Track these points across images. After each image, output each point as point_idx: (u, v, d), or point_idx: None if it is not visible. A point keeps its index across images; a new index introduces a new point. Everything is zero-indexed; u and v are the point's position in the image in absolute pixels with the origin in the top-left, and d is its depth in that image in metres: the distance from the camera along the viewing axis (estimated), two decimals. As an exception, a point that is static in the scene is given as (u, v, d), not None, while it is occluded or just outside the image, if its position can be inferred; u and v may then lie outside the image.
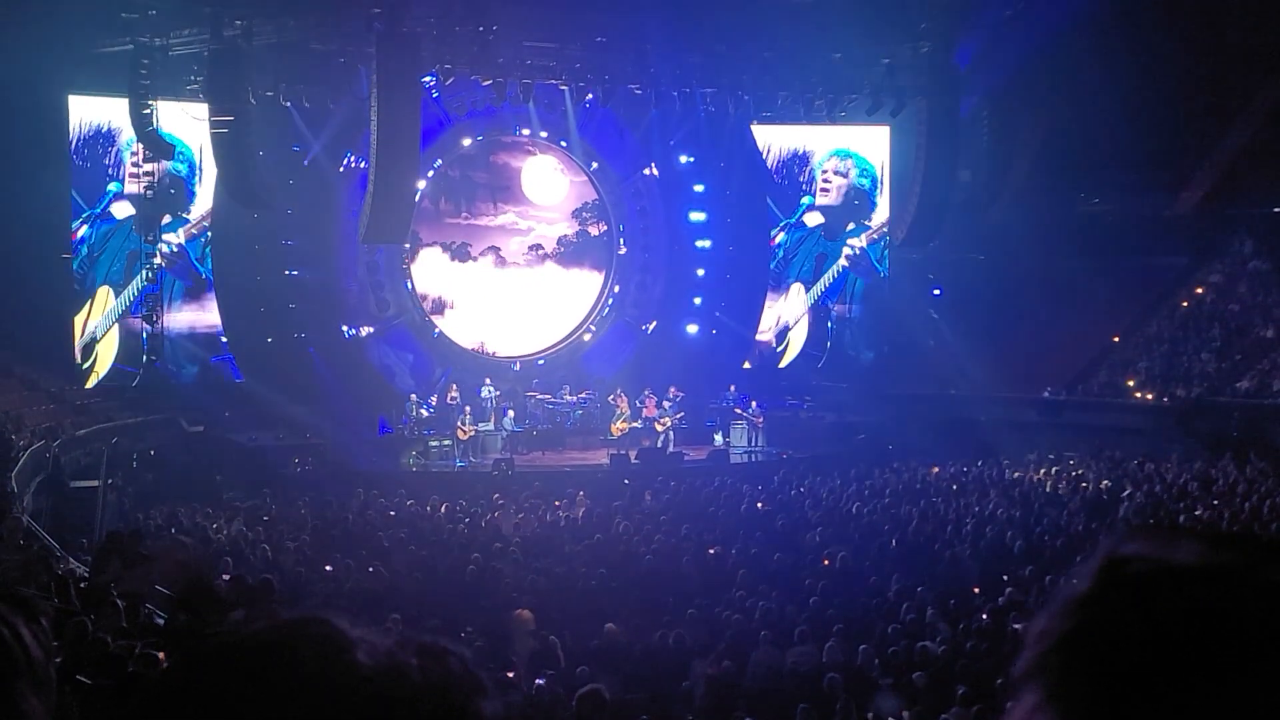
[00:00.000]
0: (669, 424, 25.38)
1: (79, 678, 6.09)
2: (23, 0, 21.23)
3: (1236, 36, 27.42)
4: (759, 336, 30.48)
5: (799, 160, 30.31)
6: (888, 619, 11.76)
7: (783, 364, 30.45)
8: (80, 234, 24.74)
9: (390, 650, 0.94)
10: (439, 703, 0.92)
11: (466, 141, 27.72)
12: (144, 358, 24.70)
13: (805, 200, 30.39)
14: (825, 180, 30.32)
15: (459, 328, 28.10)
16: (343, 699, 0.89)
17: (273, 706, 0.88)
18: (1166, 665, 0.78)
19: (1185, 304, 29.71)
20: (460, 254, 28.09)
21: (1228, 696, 0.77)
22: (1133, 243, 29.60)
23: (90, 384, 24.85)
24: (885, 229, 29.99)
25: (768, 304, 30.45)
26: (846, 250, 30.53)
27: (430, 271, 27.86)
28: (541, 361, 28.71)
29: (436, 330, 27.80)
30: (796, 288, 30.62)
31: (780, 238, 30.43)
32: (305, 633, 0.93)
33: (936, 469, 22.15)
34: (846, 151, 30.16)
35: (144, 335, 24.67)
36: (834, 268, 30.56)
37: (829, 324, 30.59)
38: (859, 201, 30.40)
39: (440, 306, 28.01)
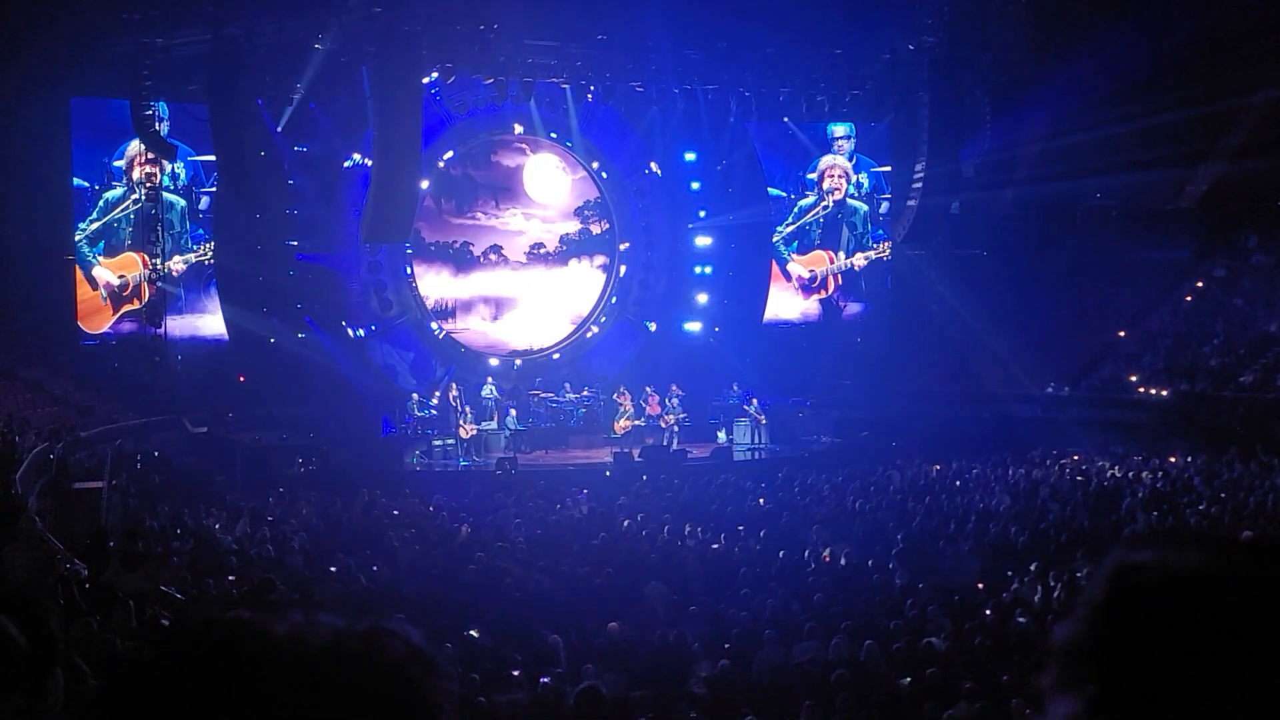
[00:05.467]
0: (672, 421, 25.35)
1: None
2: (24, 1, 21.22)
3: (1242, 28, 27.33)
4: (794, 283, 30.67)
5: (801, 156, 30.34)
6: (892, 615, 11.75)
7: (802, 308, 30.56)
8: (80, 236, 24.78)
9: (340, 632, 0.96)
10: (394, 681, 0.94)
11: (467, 141, 27.69)
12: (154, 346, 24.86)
13: (807, 200, 30.39)
14: (830, 178, 30.33)
15: (461, 327, 28.07)
16: (301, 678, 0.92)
17: (237, 690, 0.91)
18: (1186, 670, 0.79)
19: (1189, 298, 29.65)
20: (462, 253, 28.06)
21: (1250, 697, 0.78)
22: (1136, 237, 29.53)
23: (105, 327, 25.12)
24: (887, 253, 30.11)
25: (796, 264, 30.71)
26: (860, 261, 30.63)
27: (432, 271, 27.85)
28: (557, 356, 28.66)
29: (440, 329, 27.77)
30: (822, 253, 30.85)
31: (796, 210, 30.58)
32: (261, 621, 0.96)
33: (939, 466, 22.08)
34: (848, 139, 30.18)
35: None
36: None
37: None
38: (859, 197, 30.44)
39: (443, 306, 27.99)
